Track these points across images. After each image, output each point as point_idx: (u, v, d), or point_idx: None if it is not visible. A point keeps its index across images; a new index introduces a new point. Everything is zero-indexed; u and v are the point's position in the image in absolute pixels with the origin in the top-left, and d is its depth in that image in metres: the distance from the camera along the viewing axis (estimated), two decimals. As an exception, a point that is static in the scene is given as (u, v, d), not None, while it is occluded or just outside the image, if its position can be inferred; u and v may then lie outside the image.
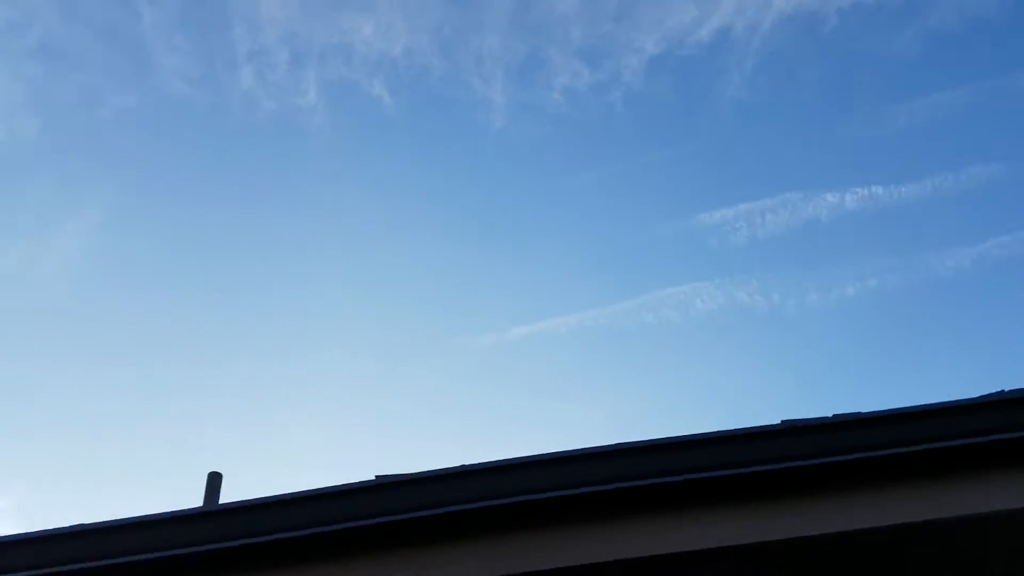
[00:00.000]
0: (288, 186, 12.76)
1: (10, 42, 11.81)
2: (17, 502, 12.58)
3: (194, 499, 5.70)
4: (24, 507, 12.63)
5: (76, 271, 12.71)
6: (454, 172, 13.04)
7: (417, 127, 12.82)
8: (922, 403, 3.85)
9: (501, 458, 3.92)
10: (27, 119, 12.06)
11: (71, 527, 4.19)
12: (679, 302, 13.33)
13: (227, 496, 5.64)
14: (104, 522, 4.19)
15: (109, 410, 12.44)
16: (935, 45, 12.27)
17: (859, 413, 3.86)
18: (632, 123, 12.97)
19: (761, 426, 3.88)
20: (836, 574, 4.01)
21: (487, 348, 13.10)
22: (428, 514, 3.87)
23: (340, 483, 4.03)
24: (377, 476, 4.06)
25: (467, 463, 3.94)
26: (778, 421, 3.90)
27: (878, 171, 12.84)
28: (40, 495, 12.74)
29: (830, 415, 3.89)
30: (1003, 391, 3.86)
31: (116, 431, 12.45)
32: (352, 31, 12.40)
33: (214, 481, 5.85)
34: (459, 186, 13.12)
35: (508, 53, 12.52)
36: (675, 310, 13.36)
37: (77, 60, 12.13)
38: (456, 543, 3.89)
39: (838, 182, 12.94)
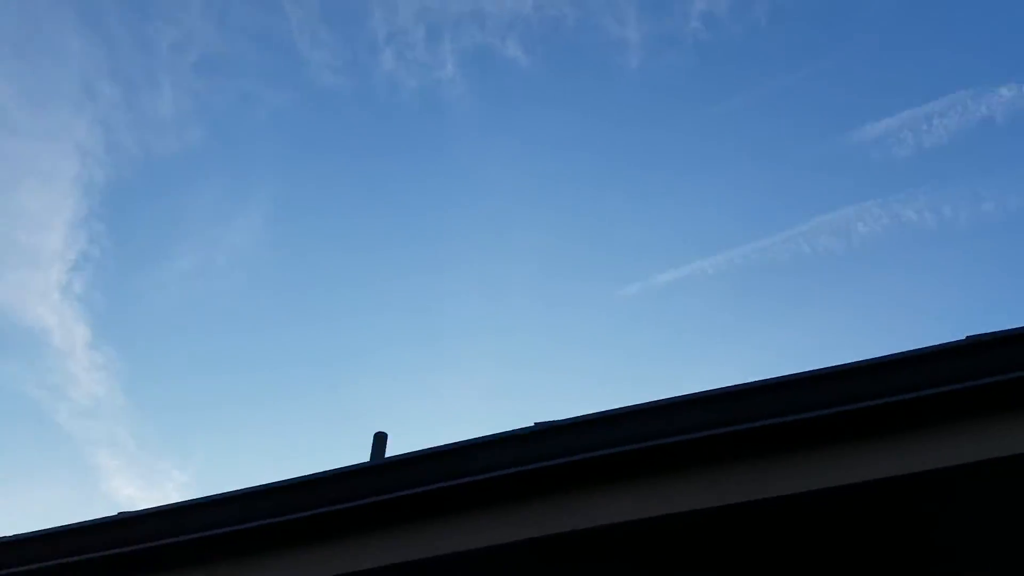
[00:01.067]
0: (436, 156, 13.00)
1: (175, 60, 12.85)
2: (196, 473, 13.40)
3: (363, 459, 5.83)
4: (203, 477, 13.47)
5: (248, 261, 13.56)
6: (594, 119, 12.85)
7: (554, 80, 12.75)
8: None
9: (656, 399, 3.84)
10: (195, 128, 12.93)
11: (241, 490, 4.34)
12: (838, 228, 12.53)
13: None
14: (275, 482, 4.32)
15: (279, 385, 13.11)
16: None
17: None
18: (778, 38, 12.40)
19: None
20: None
21: (632, 297, 12.92)
22: (589, 457, 3.83)
23: (499, 431, 4.05)
24: (536, 423, 4.05)
25: (624, 405, 3.89)
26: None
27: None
28: (217, 466, 13.50)
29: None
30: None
31: (286, 402, 13.10)
32: (482, -6, 12.50)
33: (380, 441, 5.95)
34: (599, 133, 12.90)
35: (641, -14, 12.26)
36: (834, 237, 12.54)
37: (235, 68, 13.03)
38: (616, 485, 3.83)
39: (1013, 72, 11.83)
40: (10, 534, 4.60)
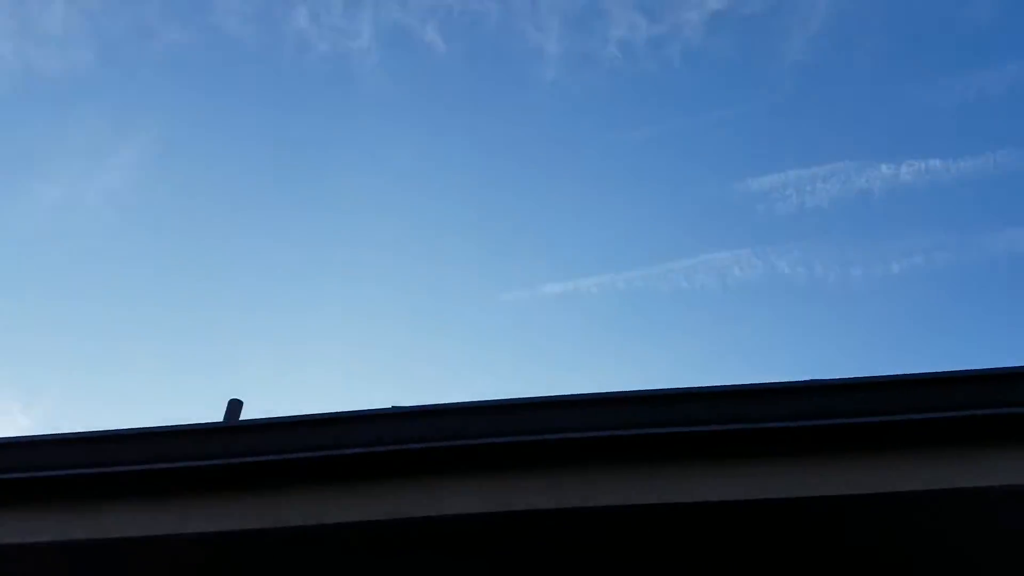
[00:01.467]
0: (336, 126, 12.84)
1: (72, -27, 12.08)
2: (44, 417, 12.90)
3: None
4: (50, 422, 12.90)
5: (121, 199, 12.96)
6: (502, 122, 12.92)
7: (468, 74, 12.76)
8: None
9: (509, 397, 4.01)
10: (83, 50, 12.30)
11: (92, 432, 4.29)
12: (716, 269, 13.09)
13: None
14: (124, 429, 4.28)
15: (140, 338, 12.73)
16: (1010, 10, 11.83)
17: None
18: (689, 81, 12.83)
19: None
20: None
21: (513, 303, 13.18)
22: (438, 446, 3.91)
23: (357, 408, 4.12)
24: (393, 406, 4.13)
25: (479, 399, 4.01)
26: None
27: (939, 143, 12.49)
28: (66, 412, 13.02)
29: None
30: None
31: (142, 357, 12.72)
32: (409, -28, 12.49)
33: (234, 408, 5.91)
34: (507, 137, 13.00)
35: (566, 1, 12.45)
36: (711, 276, 13.10)
37: (136, -6, 12.37)
38: (462, 477, 3.93)
39: (895, 153, 12.56)
40: None
